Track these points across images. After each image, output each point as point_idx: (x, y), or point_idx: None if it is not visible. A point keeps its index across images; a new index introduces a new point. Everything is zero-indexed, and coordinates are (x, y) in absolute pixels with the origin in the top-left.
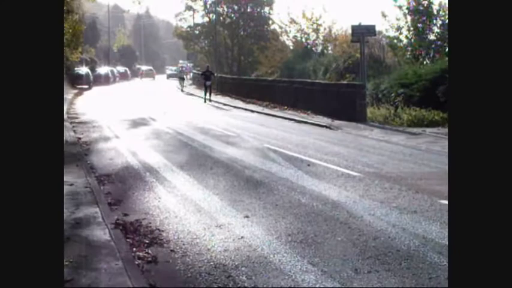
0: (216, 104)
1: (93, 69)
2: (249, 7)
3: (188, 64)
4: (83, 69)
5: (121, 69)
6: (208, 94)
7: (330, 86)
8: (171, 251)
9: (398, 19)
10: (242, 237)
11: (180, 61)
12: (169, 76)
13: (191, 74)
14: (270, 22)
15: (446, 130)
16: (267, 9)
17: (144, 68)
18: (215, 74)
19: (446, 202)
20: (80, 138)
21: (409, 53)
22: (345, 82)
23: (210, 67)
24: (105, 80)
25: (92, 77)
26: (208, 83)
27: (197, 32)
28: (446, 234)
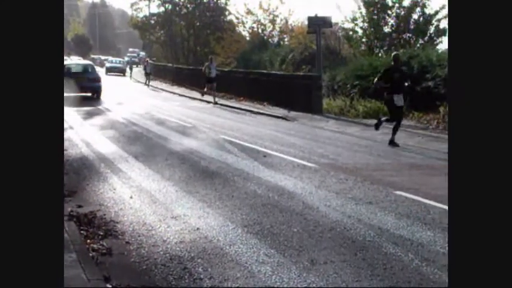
0: (171, 95)
1: None
2: None
3: (141, 53)
4: None
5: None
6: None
7: (286, 77)
8: (126, 242)
9: (353, 11)
10: (198, 228)
11: (130, 49)
12: (109, 70)
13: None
14: (227, 13)
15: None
16: None
17: (102, 57)
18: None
19: (401, 193)
20: None
21: (364, 44)
22: (301, 73)
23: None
24: None
25: None
26: None
27: (153, 22)
28: (401, 224)
